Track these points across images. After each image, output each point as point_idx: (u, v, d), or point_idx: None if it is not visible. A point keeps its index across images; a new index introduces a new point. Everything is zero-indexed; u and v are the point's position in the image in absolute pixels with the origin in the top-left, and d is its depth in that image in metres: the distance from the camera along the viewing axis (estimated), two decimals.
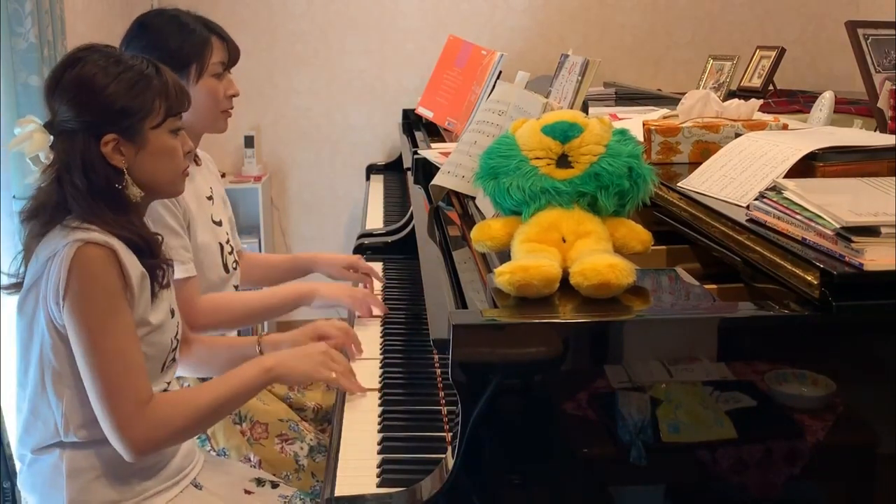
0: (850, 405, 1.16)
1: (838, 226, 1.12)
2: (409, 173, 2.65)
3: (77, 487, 1.50)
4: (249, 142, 4.16)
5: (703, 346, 1.14)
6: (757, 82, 3.57)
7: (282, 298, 2.07)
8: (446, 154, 2.22)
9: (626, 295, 1.19)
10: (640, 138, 1.65)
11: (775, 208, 1.26)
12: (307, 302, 2.04)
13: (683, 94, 1.89)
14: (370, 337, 1.91)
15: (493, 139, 1.47)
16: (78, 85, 1.47)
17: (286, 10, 4.19)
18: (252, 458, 1.86)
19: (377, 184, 3.59)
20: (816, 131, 1.78)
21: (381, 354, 1.83)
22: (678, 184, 1.55)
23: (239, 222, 4.19)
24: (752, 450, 1.14)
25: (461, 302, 1.41)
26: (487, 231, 1.37)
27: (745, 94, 3.11)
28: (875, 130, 2.08)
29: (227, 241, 2.06)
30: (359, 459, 1.40)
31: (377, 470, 1.35)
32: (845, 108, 2.67)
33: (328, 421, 2.04)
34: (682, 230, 1.48)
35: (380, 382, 1.68)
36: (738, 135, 1.66)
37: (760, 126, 1.73)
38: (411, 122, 3.68)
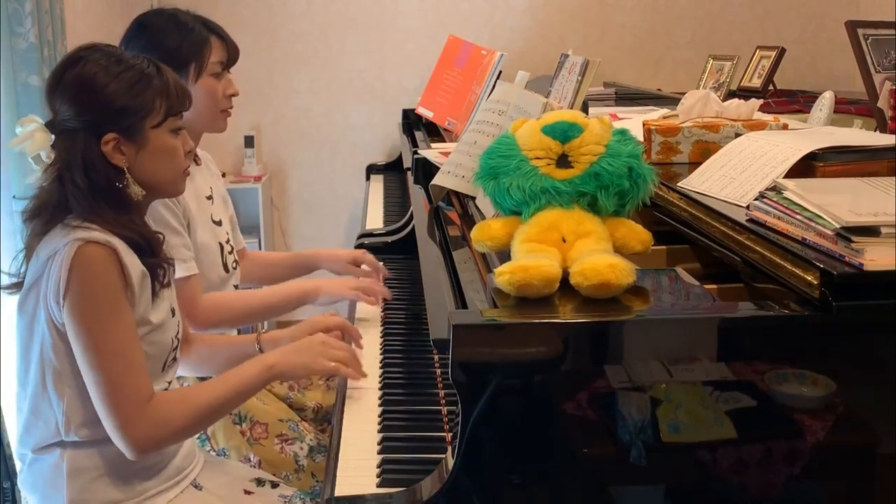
0: (850, 405, 1.16)
1: (838, 226, 1.12)
2: (409, 173, 2.65)
3: (77, 487, 1.50)
4: (249, 142, 4.16)
5: (703, 346, 1.14)
6: (757, 82, 3.57)
7: (285, 297, 2.07)
8: (446, 154, 2.22)
9: (626, 295, 1.19)
10: (640, 138, 1.65)
11: (775, 208, 1.26)
12: (311, 300, 2.04)
13: (683, 94, 1.89)
14: (370, 337, 1.91)
15: (493, 139, 1.47)
16: (79, 84, 1.47)
17: (286, 10, 4.18)
18: (252, 459, 1.86)
19: (377, 184, 3.59)
20: (816, 131, 1.78)
21: (381, 354, 1.83)
22: (678, 184, 1.55)
23: (239, 222, 4.19)
24: (752, 450, 1.14)
25: (461, 302, 1.41)
26: (487, 231, 1.37)
27: (745, 94, 3.11)
28: (875, 130, 2.08)
29: (227, 241, 2.06)
30: (359, 459, 1.40)
31: (377, 470, 1.35)
32: (845, 108, 2.67)
33: (328, 421, 2.04)
34: (682, 230, 1.48)
35: (380, 382, 1.68)
36: (738, 135, 1.66)
37: (760, 126, 1.73)
38: (411, 122, 3.68)
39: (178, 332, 1.61)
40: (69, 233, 1.44)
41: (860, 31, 2.30)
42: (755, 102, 1.82)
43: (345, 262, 2.22)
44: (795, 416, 1.14)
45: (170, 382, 1.61)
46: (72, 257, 1.40)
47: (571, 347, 1.13)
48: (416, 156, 2.49)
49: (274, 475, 1.77)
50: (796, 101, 3.23)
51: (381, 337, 1.92)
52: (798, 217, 1.20)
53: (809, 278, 1.12)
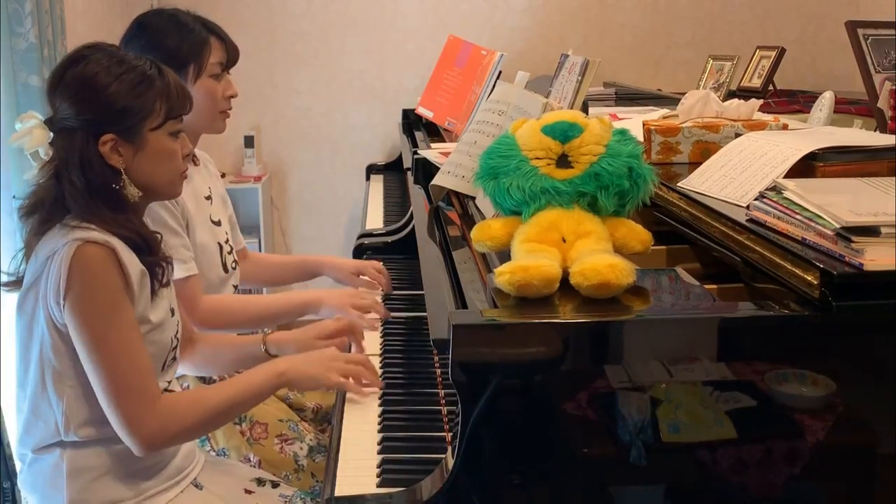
0: (850, 405, 1.16)
1: (838, 226, 1.12)
2: (409, 173, 2.65)
3: (77, 487, 1.50)
4: (249, 142, 4.16)
5: (703, 346, 1.14)
6: (757, 82, 3.57)
7: (286, 305, 2.06)
8: (446, 154, 2.22)
9: (626, 295, 1.19)
10: (640, 138, 1.65)
11: (775, 208, 1.26)
12: (313, 311, 2.03)
13: (683, 94, 1.89)
14: (370, 337, 1.91)
15: (493, 139, 1.47)
16: (79, 83, 1.47)
17: (286, 10, 4.18)
18: (252, 459, 1.86)
19: (377, 184, 3.59)
20: (816, 131, 1.78)
21: (381, 354, 1.83)
22: (678, 184, 1.55)
23: (239, 222, 4.19)
24: (752, 450, 1.14)
25: (461, 302, 1.41)
26: (487, 231, 1.37)
27: (745, 94, 3.11)
28: (875, 130, 2.08)
29: (227, 241, 2.06)
30: (359, 459, 1.40)
31: (377, 470, 1.35)
32: (845, 108, 2.67)
33: (328, 421, 2.05)
34: (682, 230, 1.48)
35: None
36: (738, 135, 1.66)
37: (760, 126, 1.73)
38: (411, 122, 3.68)
39: (177, 332, 1.61)
40: (68, 233, 1.44)
41: (860, 31, 2.30)
42: (755, 102, 1.82)
43: (348, 272, 2.22)
44: (795, 416, 1.14)
45: (170, 382, 1.61)
46: (71, 257, 1.40)
47: (571, 347, 1.13)
48: (416, 156, 2.49)
49: (274, 475, 1.77)
50: (796, 101, 3.23)
51: (381, 337, 1.92)
52: (798, 217, 1.20)
53: (809, 278, 1.12)
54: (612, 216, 1.33)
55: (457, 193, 1.94)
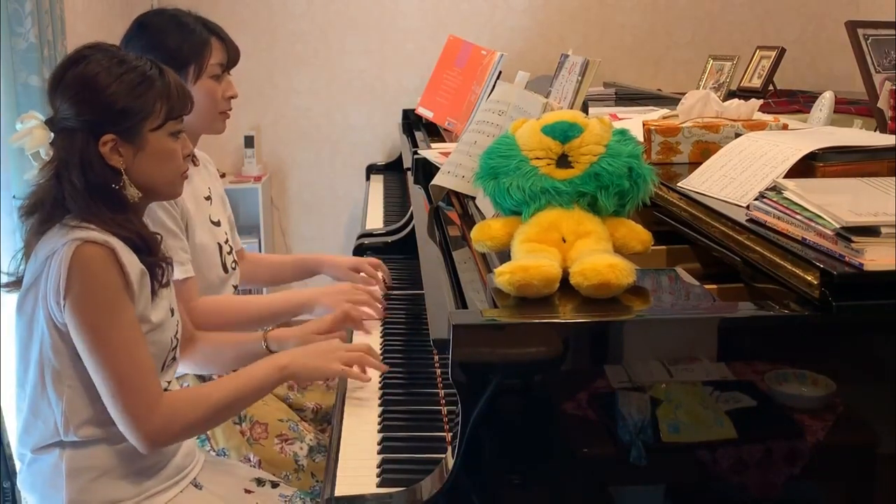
0: (850, 405, 1.16)
1: (838, 226, 1.12)
2: (409, 173, 2.65)
3: (77, 487, 1.50)
4: (249, 142, 4.16)
5: (703, 346, 1.14)
6: (757, 82, 3.57)
7: (282, 305, 2.06)
8: (446, 154, 2.22)
9: (626, 295, 1.19)
10: (640, 138, 1.65)
11: (775, 208, 1.26)
12: (308, 310, 2.03)
13: (683, 94, 1.89)
14: (370, 337, 1.91)
15: (493, 139, 1.47)
16: (80, 83, 1.47)
17: (286, 10, 4.19)
18: (252, 459, 1.86)
19: (377, 184, 3.59)
20: (816, 131, 1.78)
21: (381, 354, 1.83)
22: (678, 184, 1.55)
23: (239, 222, 4.18)
24: (752, 450, 1.14)
25: (461, 302, 1.41)
26: (487, 231, 1.37)
27: (745, 94, 3.11)
28: (875, 130, 2.08)
29: (226, 241, 2.06)
30: (359, 459, 1.40)
31: (377, 470, 1.35)
32: (845, 108, 2.67)
33: (328, 421, 2.04)
34: (682, 230, 1.48)
35: (380, 382, 1.67)
36: (738, 135, 1.66)
37: (760, 126, 1.73)
38: (411, 122, 3.68)
39: (177, 332, 1.61)
40: (67, 233, 1.44)
41: (860, 31, 2.30)
42: (755, 102, 1.82)
43: (346, 269, 2.22)
44: (795, 416, 1.14)
45: (170, 382, 1.61)
46: (70, 257, 1.40)
47: (571, 347, 1.13)
48: (416, 156, 2.49)
49: (274, 475, 1.77)
50: (796, 101, 3.23)
51: (381, 337, 1.92)
52: (798, 217, 1.20)
53: (809, 278, 1.12)
54: (612, 216, 1.33)
55: (457, 193, 1.94)
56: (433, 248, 1.86)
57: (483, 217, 1.60)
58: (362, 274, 2.21)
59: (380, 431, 1.49)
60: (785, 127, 1.78)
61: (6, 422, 2.10)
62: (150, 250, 1.51)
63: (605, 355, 1.15)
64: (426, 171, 2.35)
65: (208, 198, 2.04)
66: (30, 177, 1.57)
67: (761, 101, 1.96)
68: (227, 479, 1.68)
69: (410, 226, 2.41)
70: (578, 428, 1.14)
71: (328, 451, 1.46)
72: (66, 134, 1.48)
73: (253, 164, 4.16)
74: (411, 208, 2.42)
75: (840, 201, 1.17)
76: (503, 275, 1.18)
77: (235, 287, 2.10)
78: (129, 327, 1.44)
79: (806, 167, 1.43)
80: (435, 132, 3.23)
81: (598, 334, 1.15)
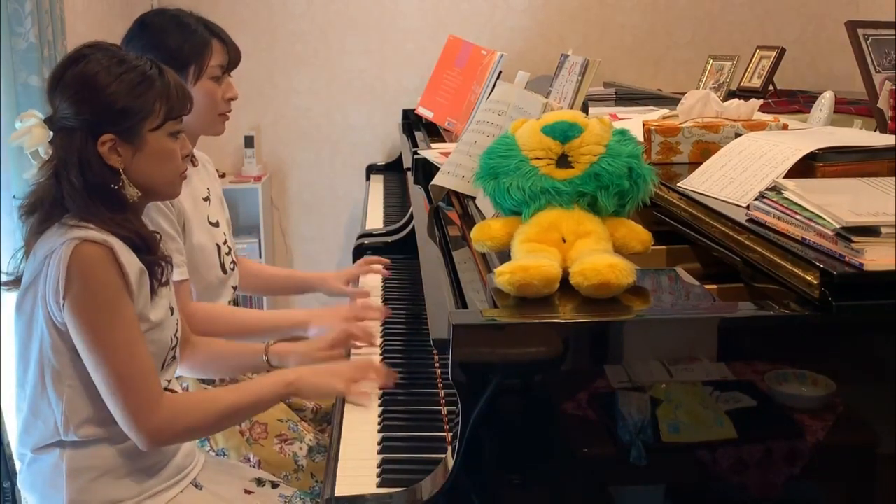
0: (850, 405, 1.16)
1: (838, 226, 1.12)
2: (409, 173, 2.65)
3: (77, 487, 1.50)
4: (249, 142, 4.15)
5: (703, 346, 1.14)
6: (757, 82, 3.57)
7: (275, 322, 2.06)
8: (446, 154, 2.22)
9: (626, 295, 1.19)
10: (640, 138, 1.65)
11: (775, 208, 1.26)
12: (302, 330, 2.02)
13: (683, 94, 1.89)
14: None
15: (493, 139, 1.47)
16: (79, 82, 1.47)
17: (286, 10, 4.18)
18: (251, 459, 1.86)
19: (377, 184, 3.59)
20: (816, 131, 1.78)
21: (381, 354, 1.83)
22: (678, 184, 1.55)
23: (239, 222, 4.21)
24: (752, 450, 1.14)
25: (461, 302, 1.41)
26: (487, 231, 1.37)
27: (745, 94, 3.11)
28: (875, 130, 2.08)
29: (225, 242, 2.06)
30: (359, 459, 1.40)
31: (377, 470, 1.35)
32: (845, 108, 2.67)
33: (328, 421, 2.04)
34: (682, 230, 1.48)
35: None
36: (738, 135, 1.66)
37: (760, 126, 1.73)
38: (411, 122, 3.68)
39: (176, 331, 1.61)
40: (66, 232, 1.44)
41: (860, 31, 2.30)
42: (755, 102, 1.82)
43: (339, 284, 2.22)
44: (795, 416, 1.14)
45: (169, 381, 1.61)
46: (69, 257, 1.40)
47: (571, 347, 1.13)
48: (416, 156, 2.49)
49: (274, 475, 1.77)
50: (796, 101, 3.22)
51: (382, 337, 1.92)
52: (798, 217, 1.20)
53: (809, 278, 1.12)
54: (612, 216, 1.33)
55: (457, 193, 1.94)
56: (433, 248, 1.86)
57: (483, 217, 1.60)
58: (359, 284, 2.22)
59: (380, 431, 1.49)
60: (785, 127, 1.78)
61: (6, 422, 2.10)
62: (149, 249, 1.51)
63: (605, 355, 1.15)
64: (426, 171, 2.35)
65: (207, 198, 2.04)
66: (29, 176, 1.57)
67: (761, 101, 1.96)
68: (227, 479, 1.68)
69: (410, 226, 2.41)
70: (578, 428, 1.14)
71: (328, 451, 1.46)
72: (65, 133, 1.48)
73: (253, 164, 4.16)
74: (411, 208, 2.42)
75: (840, 201, 1.17)
76: (503, 275, 1.18)
77: (235, 288, 2.10)
78: (128, 326, 1.44)
79: (806, 167, 1.43)
80: (435, 132, 3.23)
81: (598, 334, 1.15)
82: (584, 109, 2.39)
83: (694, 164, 1.63)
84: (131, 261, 1.46)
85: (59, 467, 1.50)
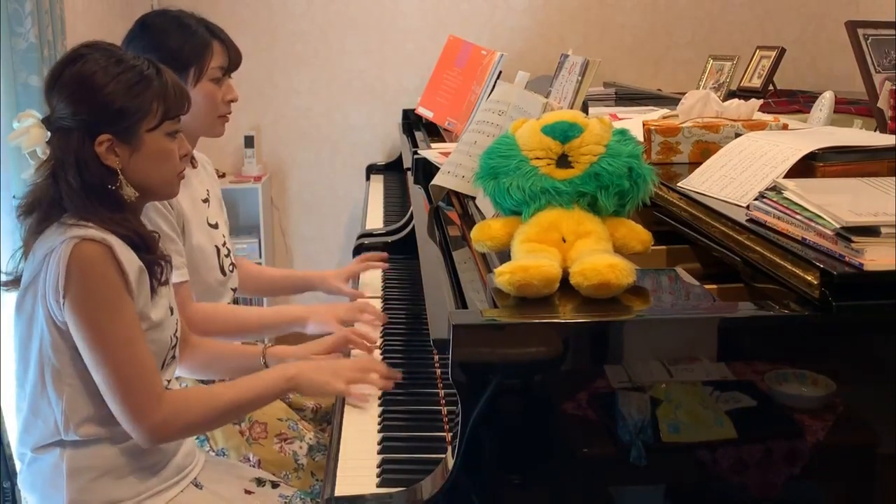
0: (850, 405, 1.16)
1: (838, 226, 1.12)
2: (409, 173, 2.65)
3: (77, 487, 1.50)
4: (249, 142, 4.15)
5: (703, 346, 1.14)
6: (757, 82, 3.57)
7: (274, 319, 2.06)
8: (446, 154, 2.22)
9: (626, 295, 1.19)
10: (640, 138, 1.65)
11: (775, 208, 1.26)
12: (301, 326, 2.03)
13: (683, 94, 1.89)
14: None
15: (493, 139, 1.47)
16: (77, 82, 1.47)
17: (286, 10, 4.18)
18: (251, 458, 1.86)
19: (377, 184, 3.59)
20: (816, 131, 1.78)
21: (381, 354, 1.83)
22: (678, 184, 1.55)
23: (239, 222, 4.21)
24: (752, 450, 1.14)
25: (461, 302, 1.41)
26: (487, 231, 1.37)
27: (745, 94, 3.11)
28: (875, 130, 2.08)
29: (224, 244, 2.06)
30: (359, 459, 1.40)
31: (377, 470, 1.35)
32: (845, 108, 2.67)
33: (328, 421, 2.04)
34: (682, 230, 1.48)
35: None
36: (738, 135, 1.66)
37: (760, 126, 1.73)
38: (411, 122, 3.68)
39: (176, 331, 1.61)
40: (65, 231, 1.44)
41: (860, 31, 2.30)
42: (755, 102, 1.82)
43: (339, 281, 2.22)
44: (795, 416, 1.14)
45: (169, 381, 1.61)
46: (69, 255, 1.40)
47: (571, 347, 1.13)
48: (416, 156, 2.49)
49: (274, 475, 1.77)
50: (796, 101, 3.22)
51: (381, 337, 1.92)
52: (798, 217, 1.20)
53: (809, 278, 1.12)
54: (612, 216, 1.33)
55: (457, 193, 1.94)
56: (433, 248, 1.86)
57: (483, 217, 1.60)
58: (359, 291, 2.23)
59: (380, 431, 1.49)
60: (785, 127, 1.78)
61: (6, 422, 2.10)
62: (148, 248, 1.51)
63: (605, 355, 1.15)
64: (426, 171, 2.35)
65: (206, 200, 2.04)
66: (27, 176, 1.57)
67: (761, 101, 1.96)
68: (227, 478, 1.68)
69: (410, 226, 2.41)
70: (578, 428, 1.14)
71: (328, 451, 1.46)
72: (63, 133, 1.48)
73: (253, 164, 4.16)
74: (411, 208, 2.42)
75: (840, 201, 1.17)
76: (503, 275, 1.18)
77: (234, 290, 2.10)
78: (128, 324, 1.44)
79: (806, 167, 1.43)
80: (435, 132, 3.23)
81: (598, 334, 1.15)
82: (584, 109, 2.39)
83: (694, 164, 1.63)
84: (131, 259, 1.46)
85: (59, 467, 1.50)
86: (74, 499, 1.50)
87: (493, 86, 2.55)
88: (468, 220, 1.77)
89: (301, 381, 1.59)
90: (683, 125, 1.75)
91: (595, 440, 1.14)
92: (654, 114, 2.36)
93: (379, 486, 1.31)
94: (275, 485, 1.70)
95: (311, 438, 1.93)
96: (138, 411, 1.44)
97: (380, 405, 1.58)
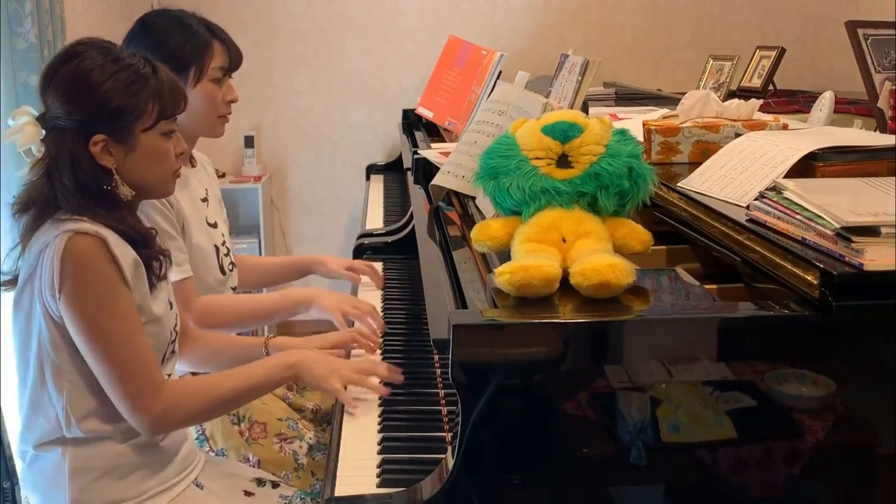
0: (850, 405, 1.16)
1: (838, 226, 1.12)
2: (409, 173, 2.65)
3: (79, 487, 1.50)
4: (249, 142, 4.16)
5: (703, 346, 1.14)
6: (757, 82, 3.57)
7: (279, 303, 2.06)
8: (446, 154, 2.22)
9: (626, 295, 1.19)
10: (640, 138, 1.65)
11: (775, 208, 1.26)
12: (304, 309, 2.03)
13: (683, 94, 1.89)
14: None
15: (493, 139, 1.47)
16: (73, 81, 1.46)
17: (286, 10, 4.18)
18: (251, 459, 1.85)
19: (377, 184, 3.59)
20: (816, 131, 1.78)
21: (381, 354, 1.83)
22: (678, 184, 1.55)
23: (239, 222, 4.21)
24: (752, 450, 1.14)
25: (461, 302, 1.41)
26: (487, 231, 1.37)
27: (745, 94, 3.11)
28: (875, 130, 2.08)
29: (223, 243, 2.06)
30: (359, 459, 1.40)
31: (377, 470, 1.35)
32: (845, 108, 2.67)
33: (327, 422, 2.04)
34: (682, 230, 1.48)
35: (380, 382, 1.67)
36: (738, 135, 1.66)
37: (760, 126, 1.73)
38: (411, 122, 3.68)
39: (175, 325, 1.61)
40: (59, 226, 1.43)
41: (860, 31, 2.30)
42: (755, 102, 1.82)
43: (339, 268, 2.22)
44: (795, 416, 1.14)
45: (169, 375, 1.61)
46: (63, 249, 1.40)
47: (571, 347, 1.13)
48: (416, 156, 2.49)
49: (274, 474, 1.77)
50: (796, 101, 3.23)
51: (382, 337, 1.92)
52: (798, 217, 1.20)
53: (809, 278, 1.12)
54: (612, 216, 1.33)
55: (457, 193, 1.94)
56: (433, 248, 1.85)
57: (483, 217, 1.60)
58: (360, 275, 2.22)
59: (380, 431, 1.49)
60: (785, 127, 1.78)
61: (7, 422, 2.10)
62: (145, 243, 1.51)
63: (605, 355, 1.15)
64: (426, 171, 2.35)
65: (205, 199, 2.04)
66: (22, 174, 1.56)
67: (761, 101, 1.96)
68: (228, 479, 1.68)
69: (410, 226, 2.41)
70: (578, 428, 1.14)
71: (328, 451, 1.46)
72: (57, 132, 1.47)
73: (253, 164, 4.16)
74: (411, 208, 2.42)
75: (840, 201, 1.17)
76: (503, 275, 1.18)
77: (234, 289, 2.10)
78: (125, 316, 1.43)
79: (806, 167, 1.43)
80: (435, 132, 3.23)
81: (598, 334, 1.15)
82: (584, 109, 2.39)
83: (694, 164, 1.63)
84: (125, 252, 1.45)
85: (61, 466, 1.50)
86: (76, 499, 1.50)
87: (493, 86, 2.55)
88: (468, 220, 1.77)
89: (301, 369, 1.59)
90: (683, 125, 1.75)
91: (595, 440, 1.14)
92: (654, 114, 2.36)
93: (379, 486, 1.31)
94: (275, 485, 1.70)
95: (311, 438, 1.93)
96: (139, 402, 1.44)
97: (380, 405, 1.58)
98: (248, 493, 1.66)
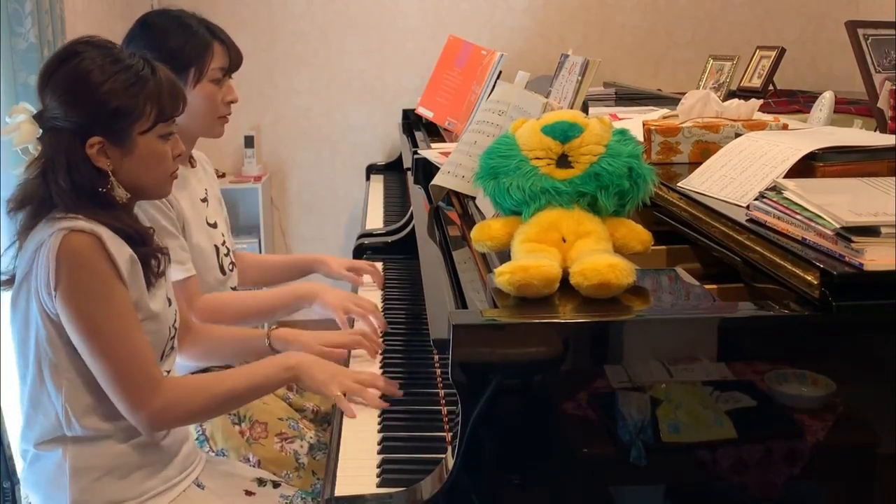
0: (850, 405, 1.16)
1: (838, 226, 1.12)
2: (409, 173, 2.65)
3: (80, 487, 1.49)
4: (249, 142, 4.16)
5: (703, 346, 1.14)
6: (757, 82, 3.57)
7: (282, 299, 2.06)
8: (446, 154, 2.22)
9: (626, 295, 1.19)
10: (640, 138, 1.65)
11: (775, 208, 1.26)
12: (306, 305, 2.03)
13: (683, 94, 1.89)
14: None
15: (493, 139, 1.47)
16: (72, 81, 1.45)
17: (286, 10, 4.19)
18: (251, 459, 1.85)
19: (377, 184, 3.59)
20: (816, 131, 1.78)
21: (381, 354, 1.83)
22: (678, 184, 1.55)
23: (239, 222, 4.20)
24: (752, 450, 1.14)
25: (461, 302, 1.41)
26: (487, 231, 1.37)
27: (745, 94, 3.11)
28: (875, 130, 2.08)
29: (223, 243, 2.05)
30: (359, 459, 1.39)
31: (377, 470, 1.35)
32: (845, 108, 2.67)
33: (328, 422, 2.04)
34: (682, 230, 1.48)
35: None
36: (738, 135, 1.66)
37: (760, 126, 1.73)
38: (411, 122, 3.68)
39: (174, 321, 1.61)
40: (54, 224, 1.43)
41: (860, 31, 2.30)
42: (755, 102, 1.82)
43: (342, 268, 2.22)
44: (795, 416, 1.14)
45: (168, 371, 1.61)
46: (58, 247, 1.39)
47: (571, 347, 1.13)
48: (416, 156, 2.49)
49: (274, 474, 1.77)
50: (796, 101, 3.23)
51: (382, 337, 1.92)
52: (798, 217, 1.20)
53: (809, 278, 1.12)
54: (612, 216, 1.33)
55: (457, 193, 1.94)
56: (433, 248, 1.85)
57: (483, 217, 1.60)
58: (358, 275, 2.22)
59: (380, 431, 1.49)
60: (785, 127, 1.78)
61: (7, 421, 2.10)
62: (143, 241, 1.50)
63: (605, 355, 1.15)
64: (426, 171, 2.35)
65: (205, 199, 2.04)
66: (18, 173, 1.56)
67: (761, 101, 1.96)
68: (229, 479, 1.68)
69: (410, 226, 2.41)
70: (578, 428, 1.14)
71: (328, 451, 1.46)
72: (54, 133, 1.47)
73: (253, 164, 4.16)
74: (411, 208, 2.42)
75: (840, 201, 1.17)
76: (503, 275, 1.18)
77: (234, 289, 2.10)
78: (122, 313, 1.43)
79: (806, 167, 1.43)
80: (435, 132, 3.23)
81: (598, 334, 1.15)
82: (584, 109, 2.39)
83: (694, 164, 1.63)
84: (120, 249, 1.45)
85: (62, 466, 1.50)
86: (77, 498, 1.49)
87: (493, 86, 2.55)
88: (468, 220, 1.77)
89: (301, 371, 1.59)
90: (683, 125, 1.75)
91: (595, 440, 1.14)
92: (654, 114, 2.36)
93: (379, 486, 1.31)
94: (276, 485, 1.70)
95: (311, 437, 1.93)
96: (137, 399, 1.44)
97: None
98: (249, 493, 1.66)
